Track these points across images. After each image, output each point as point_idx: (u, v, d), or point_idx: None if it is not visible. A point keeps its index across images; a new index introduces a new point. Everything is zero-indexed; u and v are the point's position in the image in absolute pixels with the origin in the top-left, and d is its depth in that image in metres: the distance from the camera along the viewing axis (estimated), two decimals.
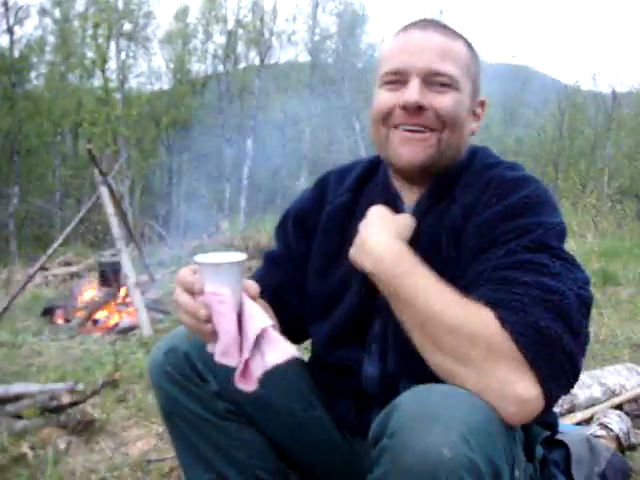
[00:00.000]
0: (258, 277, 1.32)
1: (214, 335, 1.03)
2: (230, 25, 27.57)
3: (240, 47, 28.85)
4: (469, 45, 1.27)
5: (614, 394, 2.55)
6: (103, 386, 3.05)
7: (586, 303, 1.05)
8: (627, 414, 2.37)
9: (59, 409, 2.74)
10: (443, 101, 1.18)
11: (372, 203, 1.24)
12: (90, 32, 24.61)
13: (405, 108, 1.18)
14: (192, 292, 1.03)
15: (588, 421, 2.34)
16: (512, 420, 0.95)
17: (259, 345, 1.01)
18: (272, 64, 26.99)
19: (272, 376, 1.29)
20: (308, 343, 1.46)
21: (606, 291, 5.43)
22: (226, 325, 1.00)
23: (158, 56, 35.75)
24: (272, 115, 26.22)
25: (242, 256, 1.04)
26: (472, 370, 0.95)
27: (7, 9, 22.97)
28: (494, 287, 1.03)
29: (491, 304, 1.00)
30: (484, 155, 1.29)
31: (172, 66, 28.91)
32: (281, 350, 1.01)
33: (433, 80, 1.18)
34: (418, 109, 1.17)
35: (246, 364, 1.01)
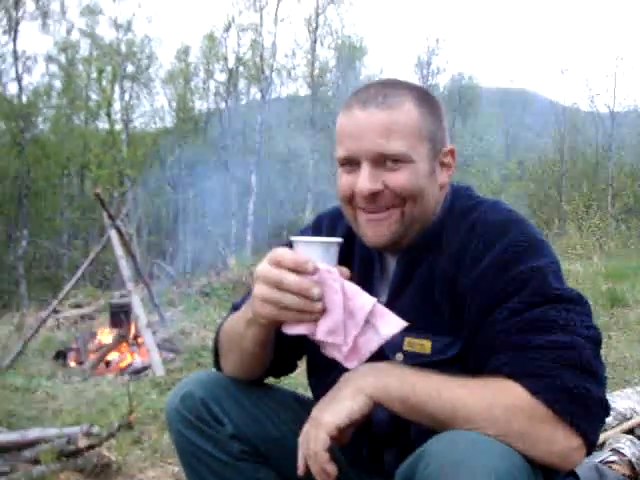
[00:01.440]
0: (249, 298, 1.32)
1: (321, 314, 1.04)
2: (231, 63, 28.06)
3: (241, 84, 29.35)
4: (420, 97, 1.21)
5: (625, 418, 2.54)
6: (119, 429, 3.06)
7: (598, 342, 1.09)
8: (639, 438, 2.37)
9: (76, 453, 2.76)
10: (397, 179, 1.16)
11: (362, 257, 1.29)
12: (94, 75, 25.08)
13: (363, 197, 1.18)
14: (302, 271, 1.04)
15: (600, 447, 2.33)
16: (562, 470, 1.03)
17: (368, 321, 1.03)
18: (273, 99, 27.36)
19: (285, 418, 1.34)
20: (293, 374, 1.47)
21: (614, 313, 5.42)
22: (339, 302, 1.02)
23: (161, 95, 36.22)
24: (275, 149, 26.50)
25: (337, 238, 1.11)
26: (518, 439, 0.98)
27: (16, 58, 23.50)
28: (510, 356, 1.06)
29: (513, 376, 1.03)
30: (464, 196, 1.28)
31: (175, 105, 29.35)
32: (394, 322, 1.04)
33: (382, 160, 1.16)
34: (373, 195, 1.17)
35: (354, 342, 1.04)
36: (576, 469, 1.48)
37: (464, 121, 30.81)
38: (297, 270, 1.04)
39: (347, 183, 1.21)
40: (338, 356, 1.07)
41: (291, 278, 1.04)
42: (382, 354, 1.21)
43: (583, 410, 1.01)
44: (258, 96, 26.57)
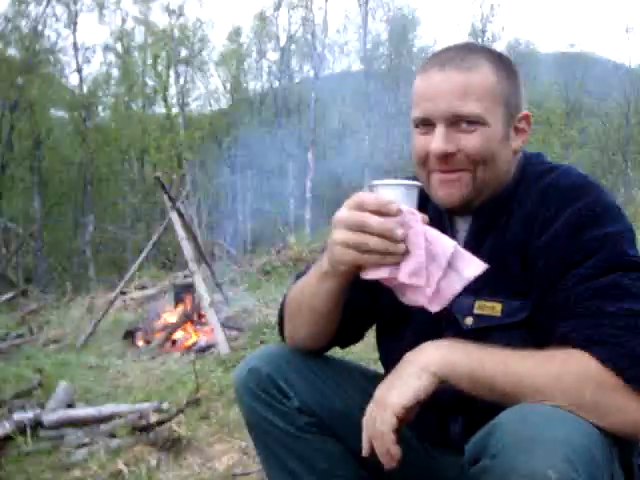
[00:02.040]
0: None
1: (403, 257, 1.04)
2: (282, 41, 28.04)
3: (294, 62, 29.31)
4: (498, 62, 1.22)
5: None
6: (187, 405, 3.17)
7: None
8: None
9: (148, 428, 2.87)
10: (471, 142, 1.17)
11: (434, 220, 1.28)
12: (150, 61, 25.54)
13: (437, 157, 1.18)
14: (385, 213, 1.03)
15: None
16: (635, 440, 1.02)
17: (450, 264, 1.03)
18: (326, 75, 27.21)
19: (350, 390, 1.35)
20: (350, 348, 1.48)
21: None
22: (421, 244, 1.02)
23: (215, 78, 36.59)
24: (330, 126, 26.42)
25: (417, 182, 1.11)
26: (590, 409, 0.97)
27: (76, 50, 24.20)
28: (579, 323, 1.04)
29: (582, 343, 1.01)
30: (536, 162, 1.27)
31: (229, 86, 29.61)
32: (476, 264, 1.04)
33: (458, 121, 1.17)
34: (446, 156, 1.18)
35: (437, 284, 1.04)
36: None
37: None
38: (380, 212, 1.04)
39: (421, 144, 1.21)
40: (421, 300, 1.06)
41: (374, 220, 1.03)
42: (452, 316, 1.22)
43: None
44: (311, 73, 26.48)
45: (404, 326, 1.28)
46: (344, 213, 1.08)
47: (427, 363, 1.05)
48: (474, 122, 1.17)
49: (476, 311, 1.20)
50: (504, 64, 1.23)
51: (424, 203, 1.28)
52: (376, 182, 1.10)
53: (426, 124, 1.20)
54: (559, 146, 24.77)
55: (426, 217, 1.07)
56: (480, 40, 30.55)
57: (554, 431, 0.90)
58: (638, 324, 1.01)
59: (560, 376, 0.99)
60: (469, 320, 1.20)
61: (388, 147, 23.64)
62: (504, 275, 1.18)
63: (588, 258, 1.08)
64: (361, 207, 1.06)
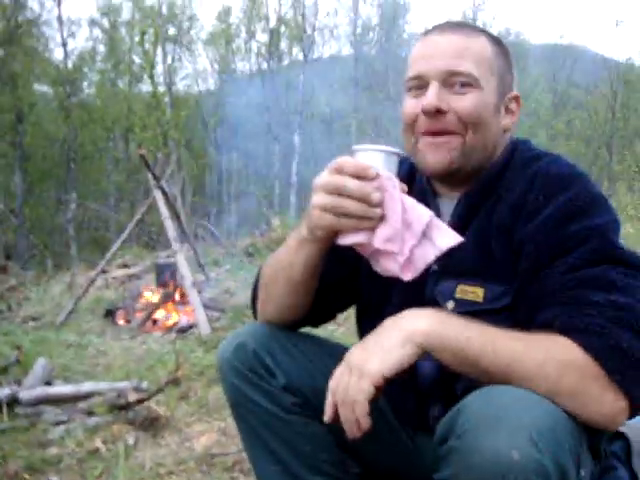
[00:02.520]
0: None
1: (379, 221, 1.04)
2: (272, 23, 27.79)
3: (283, 44, 29.08)
4: (495, 40, 1.24)
5: None
6: (166, 384, 3.15)
7: None
8: None
9: (126, 406, 2.86)
10: (463, 102, 1.17)
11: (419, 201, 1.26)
12: (137, 38, 25.20)
13: (425, 113, 1.18)
14: (363, 177, 1.04)
15: None
16: (607, 430, 1.01)
17: (425, 233, 1.03)
18: (315, 59, 27.07)
19: (332, 367, 1.34)
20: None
21: None
22: (398, 210, 1.02)
23: (203, 57, 36.27)
24: (318, 110, 26.30)
25: (397, 149, 1.10)
26: (567, 398, 0.97)
27: (61, 23, 23.78)
28: (565, 310, 1.03)
29: (567, 330, 1.01)
30: (524, 149, 1.27)
31: (217, 66, 29.35)
32: (450, 235, 1.04)
33: (452, 81, 1.18)
34: (437, 113, 1.17)
35: (411, 252, 1.04)
36: (626, 431, 1.45)
37: None
38: (358, 175, 1.04)
39: (412, 106, 1.21)
40: (393, 267, 1.05)
41: (352, 183, 1.04)
42: (431, 300, 1.21)
43: (634, 372, 0.98)
44: (300, 56, 26.33)
45: (383, 307, 1.26)
46: (324, 176, 1.08)
47: (412, 332, 1.01)
48: (468, 85, 1.18)
49: (457, 295, 1.19)
50: (500, 43, 1.26)
51: (409, 184, 1.27)
52: (357, 147, 1.10)
53: (419, 86, 1.21)
54: (546, 137, 24.89)
55: (405, 187, 1.07)
56: None
57: (520, 413, 0.90)
58: (623, 317, 1.00)
59: (544, 362, 0.98)
60: (450, 304, 1.19)
61: (375, 132, 23.60)
62: (487, 260, 1.18)
63: (576, 248, 1.07)
64: (340, 171, 1.06)
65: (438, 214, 1.25)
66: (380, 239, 1.03)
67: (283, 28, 28.07)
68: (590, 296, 1.03)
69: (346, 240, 1.06)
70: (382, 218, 1.03)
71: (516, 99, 1.26)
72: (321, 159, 22.26)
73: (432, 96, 1.17)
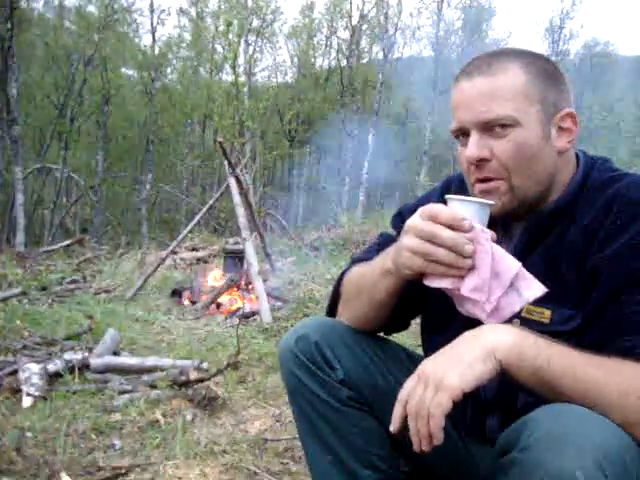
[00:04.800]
0: (373, 253, 1.35)
1: (468, 271, 1.07)
2: (354, 20, 27.74)
3: (364, 42, 29.00)
4: (531, 62, 1.19)
5: None
6: (226, 367, 3.24)
7: None
8: None
9: (187, 384, 2.96)
10: (503, 148, 1.16)
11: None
12: (222, 28, 25.70)
13: (471, 164, 1.20)
14: (457, 228, 1.06)
15: None
16: None
17: (512, 284, 1.06)
18: (395, 59, 26.86)
19: (394, 370, 1.36)
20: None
21: None
22: (488, 261, 1.05)
23: (283, 50, 36.63)
24: (394, 109, 26.13)
25: (491, 201, 1.13)
26: None
27: (152, 11, 24.55)
28: None
29: None
30: (603, 168, 1.23)
31: (296, 60, 29.57)
32: (536, 287, 1.06)
33: (490, 126, 1.17)
34: (482, 161, 1.18)
35: (497, 301, 1.07)
36: None
37: (594, 91, 28.90)
38: (453, 226, 1.06)
39: (462, 155, 1.22)
40: (479, 313, 1.08)
41: (446, 233, 1.06)
42: None
43: None
44: (380, 55, 26.16)
45: (449, 323, 1.26)
46: (417, 221, 1.10)
47: (494, 347, 1.00)
48: (507, 125, 1.16)
49: (524, 314, 1.18)
50: (538, 62, 1.21)
51: None
52: (451, 196, 1.12)
53: (464, 134, 1.21)
54: (627, 153, 23.89)
55: (494, 234, 1.08)
56: (556, 36, 29.63)
57: (588, 433, 0.89)
58: None
59: (626, 393, 0.96)
60: (515, 322, 1.17)
61: (450, 137, 23.25)
62: (556, 282, 1.16)
63: None
64: (435, 219, 1.07)
65: (506, 235, 1.27)
66: (468, 288, 1.06)
67: (365, 26, 28.01)
68: None
69: (434, 283, 1.09)
70: (472, 267, 1.06)
71: (570, 116, 1.21)
72: (393, 159, 22.16)
73: (472, 148, 1.18)
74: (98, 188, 21.84)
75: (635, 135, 25.25)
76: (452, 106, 1.23)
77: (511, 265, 1.06)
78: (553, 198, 1.22)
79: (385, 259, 1.21)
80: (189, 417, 2.65)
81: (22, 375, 2.84)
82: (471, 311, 1.09)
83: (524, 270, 1.06)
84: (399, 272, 1.15)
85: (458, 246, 1.05)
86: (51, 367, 3.00)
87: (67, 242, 11.09)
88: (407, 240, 1.10)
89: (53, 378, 2.98)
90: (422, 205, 1.25)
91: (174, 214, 24.85)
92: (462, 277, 1.07)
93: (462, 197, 1.11)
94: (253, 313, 5.21)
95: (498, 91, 1.16)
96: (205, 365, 3.22)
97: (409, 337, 2.74)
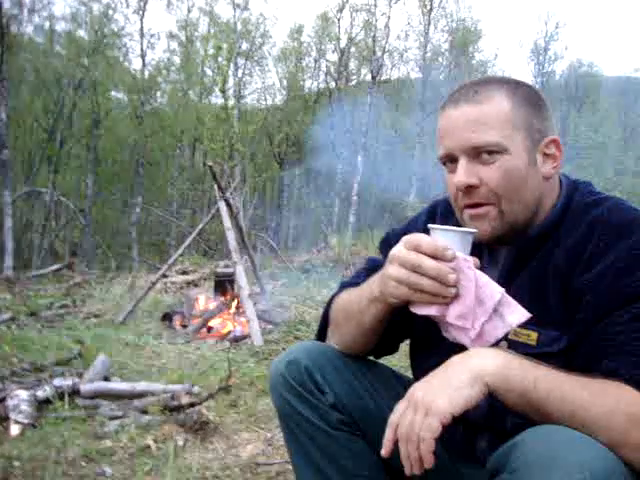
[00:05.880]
0: (362, 278, 1.36)
1: (453, 299, 1.08)
2: (343, 43, 28.05)
3: (352, 64, 29.30)
4: (516, 89, 1.21)
5: None
6: (218, 391, 3.23)
7: None
8: None
9: (178, 408, 2.95)
10: (491, 174, 1.18)
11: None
12: (211, 52, 25.90)
13: (459, 190, 1.21)
14: (440, 257, 1.07)
15: None
16: None
17: (496, 310, 1.08)
18: (383, 81, 27.13)
19: (383, 392, 1.37)
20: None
21: None
22: (471, 289, 1.07)
23: (272, 73, 36.94)
24: (383, 131, 26.32)
25: (473, 229, 1.15)
26: (632, 449, 0.96)
27: (142, 35, 24.75)
28: (629, 361, 1.04)
29: (632, 381, 1.01)
30: (585, 192, 1.26)
31: (285, 83, 29.80)
32: (520, 312, 1.07)
33: (477, 153, 1.18)
34: (470, 188, 1.20)
35: (481, 327, 1.09)
36: None
37: (580, 111, 29.29)
38: (436, 256, 1.08)
39: (450, 182, 1.24)
40: (464, 339, 1.10)
41: (430, 263, 1.07)
42: None
43: None
44: (368, 77, 26.41)
45: (437, 346, 1.27)
46: (401, 251, 1.11)
47: (480, 371, 1.02)
48: (494, 152, 1.18)
49: (511, 337, 1.19)
50: (522, 90, 1.23)
51: None
52: (433, 226, 1.14)
53: (451, 161, 1.23)
54: (612, 172, 24.16)
55: (477, 261, 1.10)
56: (542, 58, 30.09)
57: (575, 454, 0.90)
58: None
59: (612, 414, 0.98)
60: (503, 344, 1.19)
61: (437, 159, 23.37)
62: (542, 305, 1.17)
63: (639, 298, 1.07)
64: (418, 249, 1.09)
65: (491, 258, 1.29)
66: (453, 315, 1.09)
67: (353, 49, 28.31)
68: None
69: (420, 310, 1.12)
70: (456, 295, 1.08)
71: (554, 142, 1.23)
72: (382, 181, 22.26)
73: (461, 174, 1.19)
74: (88, 211, 21.79)
75: (620, 154, 25.56)
76: (439, 134, 1.25)
77: (494, 292, 1.08)
78: (538, 222, 1.24)
79: (372, 286, 1.22)
80: (180, 442, 2.63)
81: (10, 402, 2.81)
82: (457, 337, 1.11)
83: (507, 296, 1.08)
84: (386, 300, 1.17)
85: (442, 276, 1.07)
86: (40, 393, 2.98)
87: (56, 266, 11.05)
88: (392, 270, 1.12)
89: (42, 405, 2.96)
90: (409, 231, 1.29)
91: (164, 237, 24.80)
92: (447, 304, 1.09)
93: (444, 227, 1.13)
94: (244, 336, 5.20)
95: (485, 118, 1.18)
96: (196, 389, 3.21)
97: (400, 359, 2.75)
